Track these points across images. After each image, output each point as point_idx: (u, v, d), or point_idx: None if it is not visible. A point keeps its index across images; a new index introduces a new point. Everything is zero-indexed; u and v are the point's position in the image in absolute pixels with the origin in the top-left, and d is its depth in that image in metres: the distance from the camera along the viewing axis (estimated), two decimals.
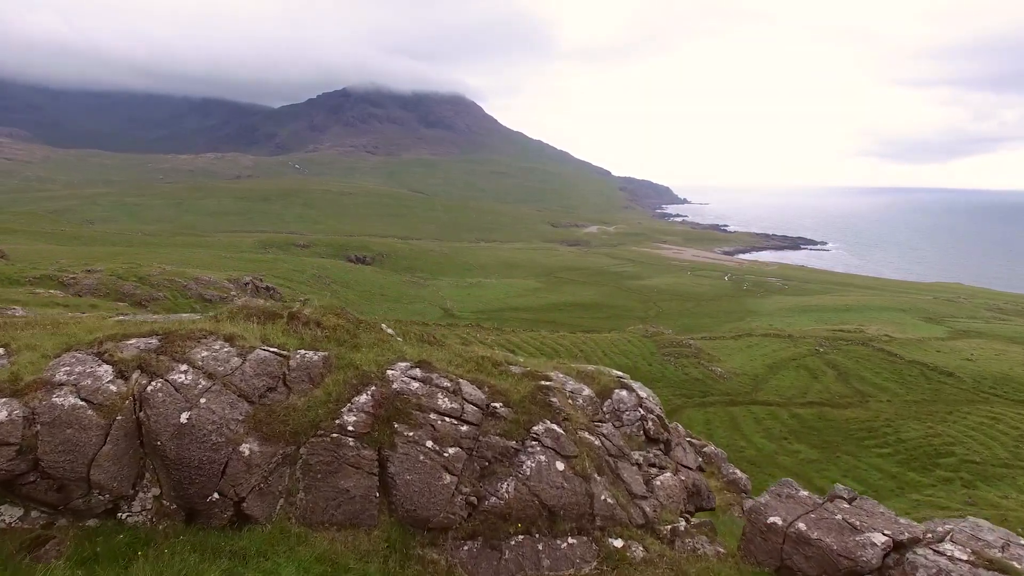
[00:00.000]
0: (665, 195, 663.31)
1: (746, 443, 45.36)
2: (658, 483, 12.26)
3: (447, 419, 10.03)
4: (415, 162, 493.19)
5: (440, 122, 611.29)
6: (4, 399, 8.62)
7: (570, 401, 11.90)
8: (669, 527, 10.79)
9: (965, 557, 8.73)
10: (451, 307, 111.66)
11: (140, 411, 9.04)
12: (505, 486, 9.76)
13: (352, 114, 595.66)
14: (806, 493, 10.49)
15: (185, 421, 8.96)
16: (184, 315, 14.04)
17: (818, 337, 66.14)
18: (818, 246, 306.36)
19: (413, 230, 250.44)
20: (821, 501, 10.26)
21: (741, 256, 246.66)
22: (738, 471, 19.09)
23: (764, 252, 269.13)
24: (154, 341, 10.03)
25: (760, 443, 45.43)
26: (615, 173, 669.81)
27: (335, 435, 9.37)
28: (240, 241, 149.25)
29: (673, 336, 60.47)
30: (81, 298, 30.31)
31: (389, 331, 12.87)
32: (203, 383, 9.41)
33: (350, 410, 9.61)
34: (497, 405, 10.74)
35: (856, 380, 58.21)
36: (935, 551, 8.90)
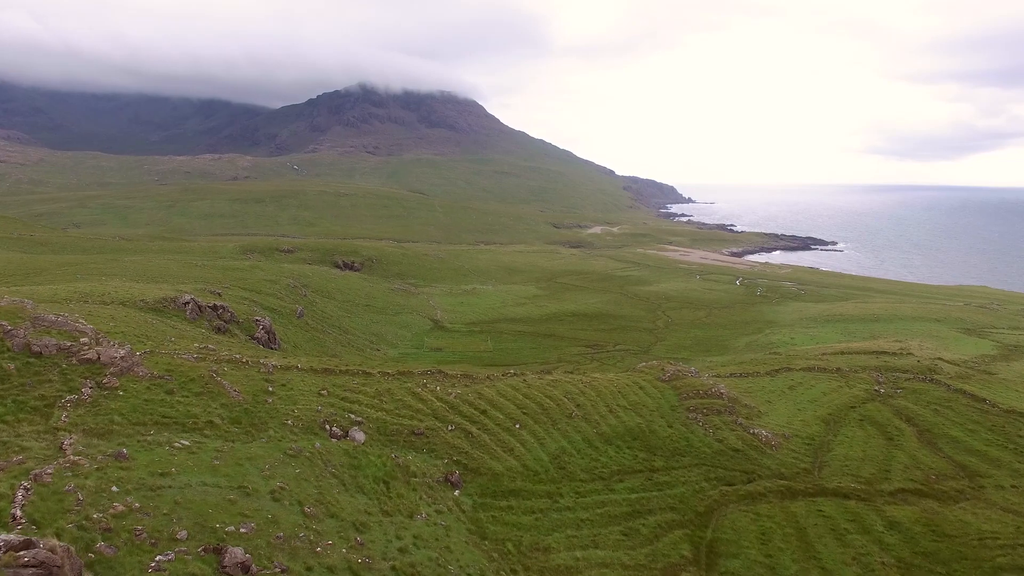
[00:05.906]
0: (670, 194, 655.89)
1: None
2: None
3: None
4: (417, 162, 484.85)
5: (442, 122, 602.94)
6: None
7: None
8: None
9: None
10: (441, 318, 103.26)
11: None
12: None
13: (353, 114, 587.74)
14: None
15: None
16: None
17: (870, 368, 54.27)
18: (829, 246, 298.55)
19: (411, 232, 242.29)
20: None
21: (750, 257, 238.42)
22: None
23: (774, 253, 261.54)
24: None
25: None
26: (619, 172, 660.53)
27: None
28: (221, 246, 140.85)
29: (698, 380, 47.45)
30: None
31: None
32: None
33: None
34: None
35: (948, 444, 42.65)
36: None
